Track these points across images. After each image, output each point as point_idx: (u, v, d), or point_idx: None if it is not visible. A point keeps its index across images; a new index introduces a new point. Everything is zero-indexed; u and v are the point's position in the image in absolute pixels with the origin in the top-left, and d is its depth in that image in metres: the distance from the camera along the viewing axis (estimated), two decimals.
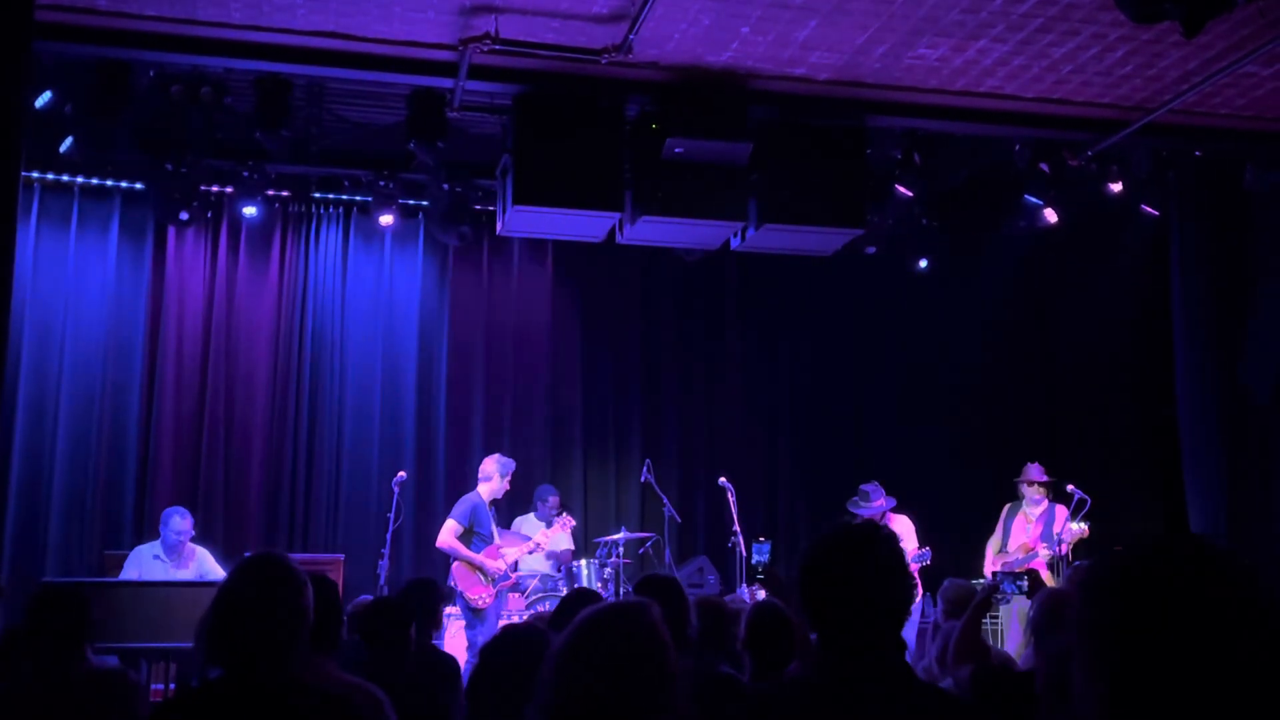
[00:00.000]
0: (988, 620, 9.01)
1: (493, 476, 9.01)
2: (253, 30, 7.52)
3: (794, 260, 11.37)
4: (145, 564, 8.34)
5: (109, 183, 10.07)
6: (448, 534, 8.78)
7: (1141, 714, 1.40)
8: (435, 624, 5.64)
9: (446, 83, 8.04)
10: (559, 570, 9.52)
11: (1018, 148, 9.23)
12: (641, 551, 9.87)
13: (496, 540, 8.93)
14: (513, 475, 9.16)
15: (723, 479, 9.99)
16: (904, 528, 9.42)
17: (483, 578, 8.74)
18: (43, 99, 7.80)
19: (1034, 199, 9.64)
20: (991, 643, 8.85)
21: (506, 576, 8.86)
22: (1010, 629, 8.83)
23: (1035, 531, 9.29)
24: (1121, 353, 11.26)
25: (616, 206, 8.36)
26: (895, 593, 2.32)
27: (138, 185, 9.93)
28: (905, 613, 2.37)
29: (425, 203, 10.26)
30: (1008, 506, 9.66)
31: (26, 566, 9.32)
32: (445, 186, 9.77)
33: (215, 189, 10.01)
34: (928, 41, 7.67)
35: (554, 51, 7.71)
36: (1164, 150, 9.46)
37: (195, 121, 8.51)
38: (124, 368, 10.03)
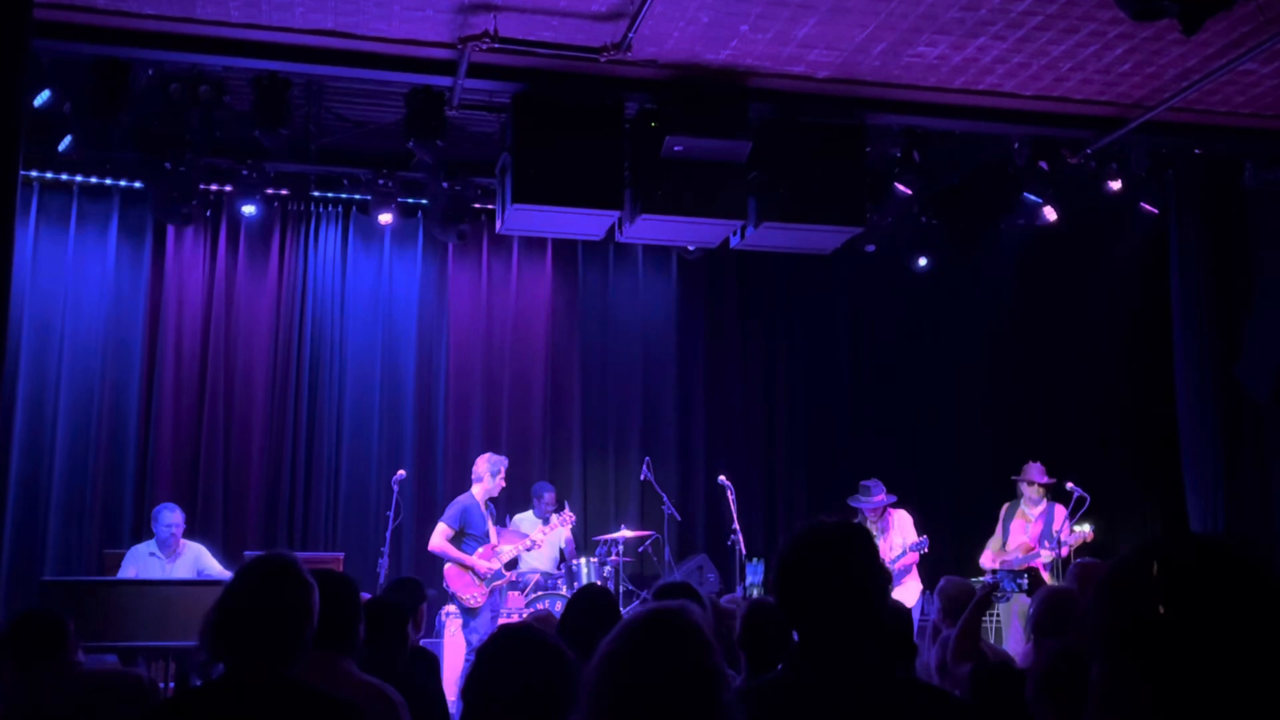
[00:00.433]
0: (987, 618, 9.02)
1: (484, 477, 9.02)
2: (251, 29, 7.52)
3: (793, 258, 11.39)
4: (142, 561, 8.36)
5: (108, 181, 10.06)
6: (438, 537, 8.85)
7: (1188, 716, 1.40)
8: (417, 624, 5.64)
9: (445, 81, 8.04)
10: (559, 568, 9.52)
11: (1016, 145, 9.23)
12: (641, 550, 9.86)
13: (493, 539, 8.94)
14: (509, 473, 9.16)
15: (722, 477, 9.99)
16: (905, 522, 9.43)
17: (474, 577, 8.77)
18: (41, 98, 7.80)
19: (1033, 197, 9.64)
20: (991, 641, 8.86)
21: (500, 575, 8.87)
22: (1010, 627, 8.82)
23: (1035, 531, 9.27)
24: (1120, 350, 11.26)
25: (616, 205, 8.36)
26: (872, 587, 2.33)
27: (137, 184, 9.93)
28: (882, 608, 2.37)
29: (424, 201, 10.26)
30: (1006, 505, 9.64)
31: (26, 565, 9.32)
32: (444, 185, 9.76)
33: (214, 188, 10.00)
34: (926, 39, 7.67)
35: (553, 50, 7.71)
36: (1163, 148, 9.46)
37: (194, 120, 8.52)
38: (123, 366, 10.03)
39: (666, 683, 2.07)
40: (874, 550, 2.38)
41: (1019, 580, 7.98)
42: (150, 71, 7.92)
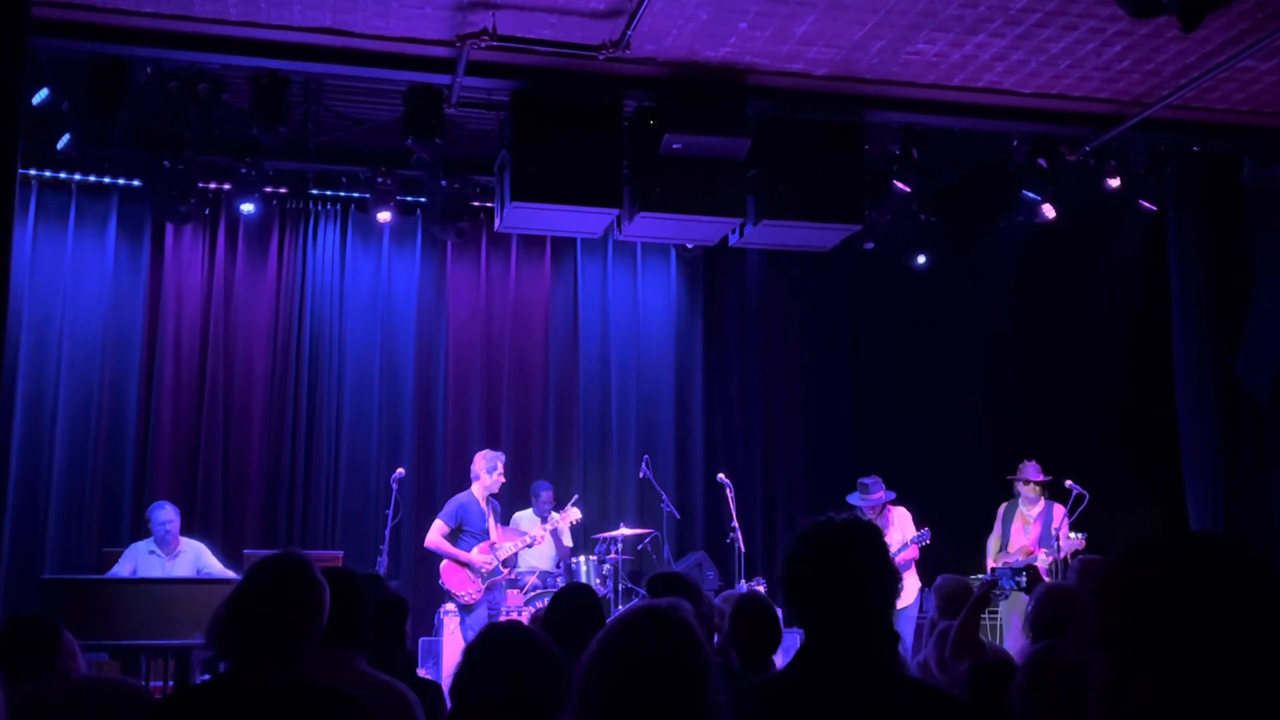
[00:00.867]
0: (986, 616, 9.02)
1: (481, 474, 9.02)
2: (250, 27, 7.52)
3: (792, 255, 11.40)
4: (141, 559, 8.37)
5: (106, 180, 10.06)
6: (433, 533, 8.88)
7: (1162, 712, 1.40)
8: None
9: (444, 79, 8.04)
10: (558, 566, 9.52)
11: (1015, 143, 9.23)
12: (640, 547, 9.86)
13: (493, 536, 8.94)
14: (508, 470, 9.17)
15: (721, 475, 10.00)
16: (904, 519, 9.44)
17: (470, 574, 8.77)
18: (40, 96, 7.79)
19: (1032, 194, 9.63)
20: (990, 639, 8.87)
21: (498, 572, 8.87)
22: (1010, 625, 8.82)
23: (1034, 533, 9.26)
24: (1119, 348, 11.26)
25: (614, 202, 8.36)
26: (878, 587, 2.31)
27: (135, 182, 9.92)
28: (890, 607, 2.36)
29: (423, 199, 10.26)
30: (1005, 505, 9.62)
31: (25, 563, 9.32)
32: (443, 183, 9.75)
33: (213, 186, 10.00)
34: (925, 36, 7.67)
35: (551, 47, 7.70)
36: (1162, 145, 9.46)
37: (193, 118, 8.51)
38: (122, 365, 10.03)
39: (656, 681, 2.07)
40: (881, 549, 2.37)
41: (1017, 578, 7.99)
42: (149, 70, 7.91)
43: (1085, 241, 11.10)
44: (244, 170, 9.52)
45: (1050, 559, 8.97)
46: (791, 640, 7.71)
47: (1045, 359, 11.77)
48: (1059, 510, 9.17)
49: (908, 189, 9.42)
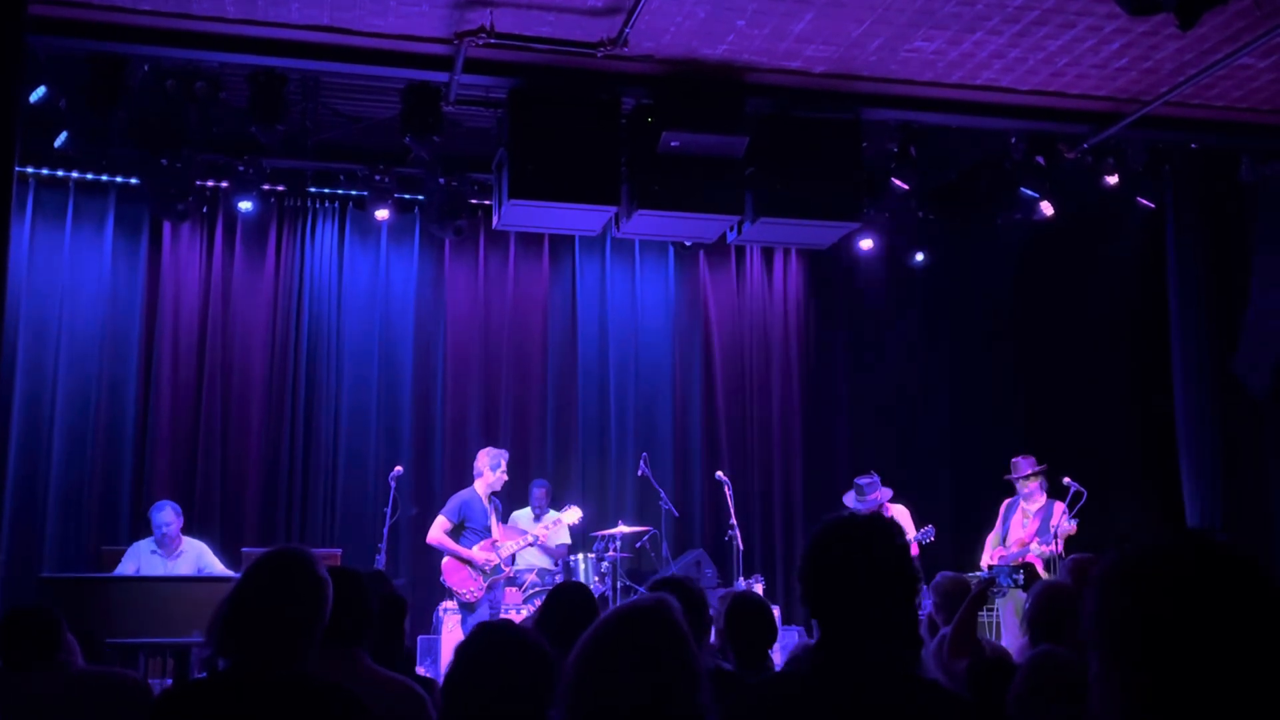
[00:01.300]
0: (984, 614, 9.01)
1: (484, 471, 9.02)
2: (248, 24, 7.52)
3: (790, 252, 11.42)
4: (144, 558, 8.36)
5: (104, 178, 10.05)
6: (436, 529, 8.85)
7: (1160, 710, 1.41)
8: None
9: (442, 76, 8.03)
10: (556, 565, 9.53)
11: (1013, 140, 9.23)
12: (639, 546, 9.87)
13: (495, 535, 8.94)
14: (509, 467, 9.16)
15: (720, 473, 10.02)
16: (903, 517, 9.44)
17: (472, 571, 8.76)
18: (37, 94, 7.78)
19: (1030, 192, 9.63)
20: (989, 636, 8.87)
21: (500, 570, 8.86)
22: (1007, 623, 8.83)
23: (1032, 527, 9.26)
24: (1117, 345, 11.25)
25: (612, 200, 8.36)
26: (896, 586, 2.29)
27: (133, 180, 9.91)
28: (909, 606, 2.33)
29: (421, 197, 10.27)
30: (1007, 502, 9.62)
31: (24, 562, 9.31)
32: (441, 181, 9.75)
33: (210, 184, 10.00)
34: (924, 34, 7.67)
35: (549, 45, 7.70)
36: (1160, 143, 9.46)
37: (190, 116, 8.50)
38: (120, 363, 10.02)
39: (642, 678, 2.07)
40: (896, 548, 2.32)
41: (1015, 575, 8.00)
42: (146, 67, 7.90)
43: (1083, 239, 11.10)
44: (242, 168, 9.52)
45: (1046, 549, 8.98)
46: (789, 638, 7.71)
47: (1043, 356, 11.78)
48: (1059, 507, 9.15)
49: (906, 186, 9.42)
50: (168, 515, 8.44)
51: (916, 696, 2.25)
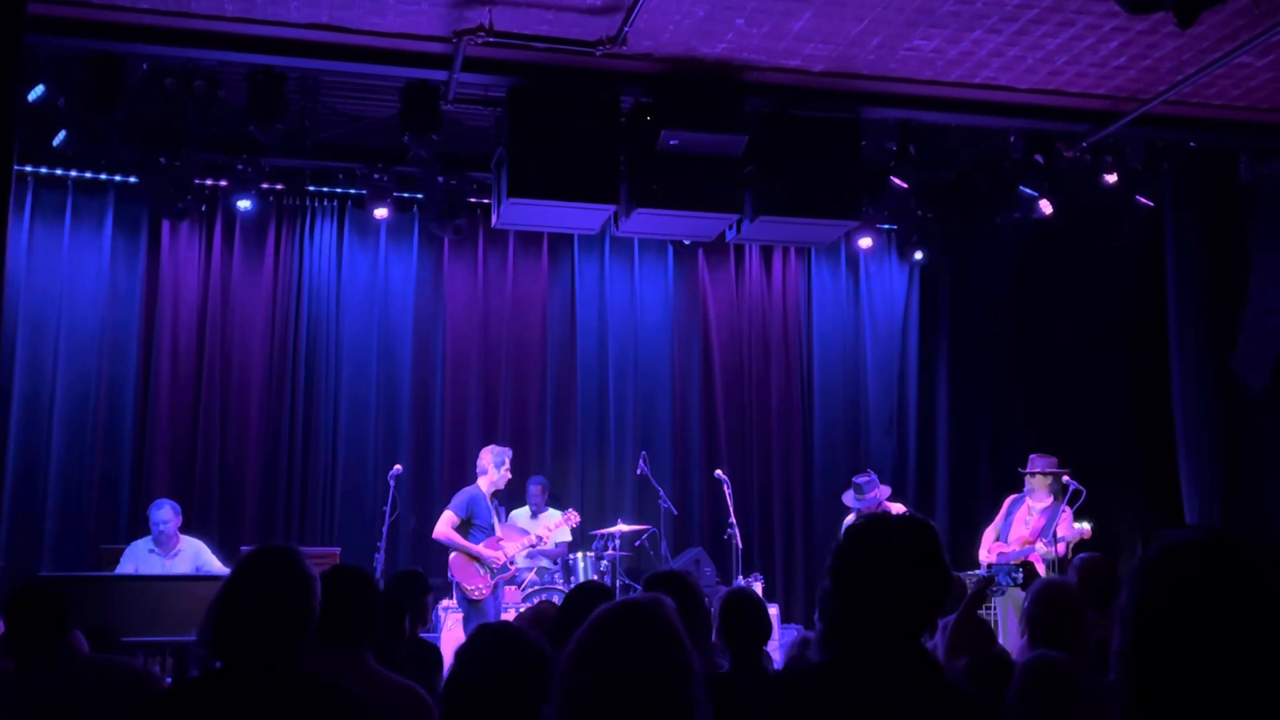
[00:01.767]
0: (983, 612, 9.01)
1: (489, 469, 9.01)
2: (246, 23, 7.52)
3: (790, 249, 11.42)
4: (141, 558, 8.36)
5: (103, 176, 10.04)
6: (444, 524, 8.80)
7: (1163, 701, 1.42)
8: (423, 618, 5.63)
9: (441, 75, 8.03)
10: (555, 564, 9.53)
11: (1012, 139, 9.23)
12: (638, 544, 9.87)
13: (498, 533, 8.93)
14: (511, 467, 9.16)
15: (719, 471, 10.02)
16: None
17: (480, 568, 8.74)
18: (36, 93, 7.77)
19: (1029, 190, 9.64)
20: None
21: (505, 569, 8.85)
22: (1007, 622, 8.82)
23: (1036, 524, 9.22)
24: (1116, 343, 11.26)
25: (612, 199, 8.36)
26: (927, 586, 2.27)
27: (132, 179, 9.91)
28: (936, 609, 2.31)
29: (420, 196, 10.26)
30: (1011, 498, 9.59)
31: (22, 561, 9.30)
32: (440, 179, 9.75)
33: (209, 182, 9.99)
34: (922, 33, 7.67)
35: (548, 44, 7.70)
36: (1158, 141, 9.47)
37: (189, 115, 8.50)
38: (119, 362, 10.01)
39: (635, 675, 2.07)
40: (936, 548, 2.29)
41: (1014, 574, 7.99)
42: (145, 66, 7.91)
43: (1082, 237, 11.10)
44: (240, 167, 9.51)
45: (1049, 550, 8.95)
46: (788, 636, 7.71)
47: (1041, 353, 11.78)
48: (1067, 511, 9.06)
49: (905, 185, 9.42)
50: (165, 514, 8.44)
51: (949, 698, 2.24)
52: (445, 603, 9.19)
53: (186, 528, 8.75)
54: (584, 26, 7.58)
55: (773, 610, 7.82)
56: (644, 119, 8.30)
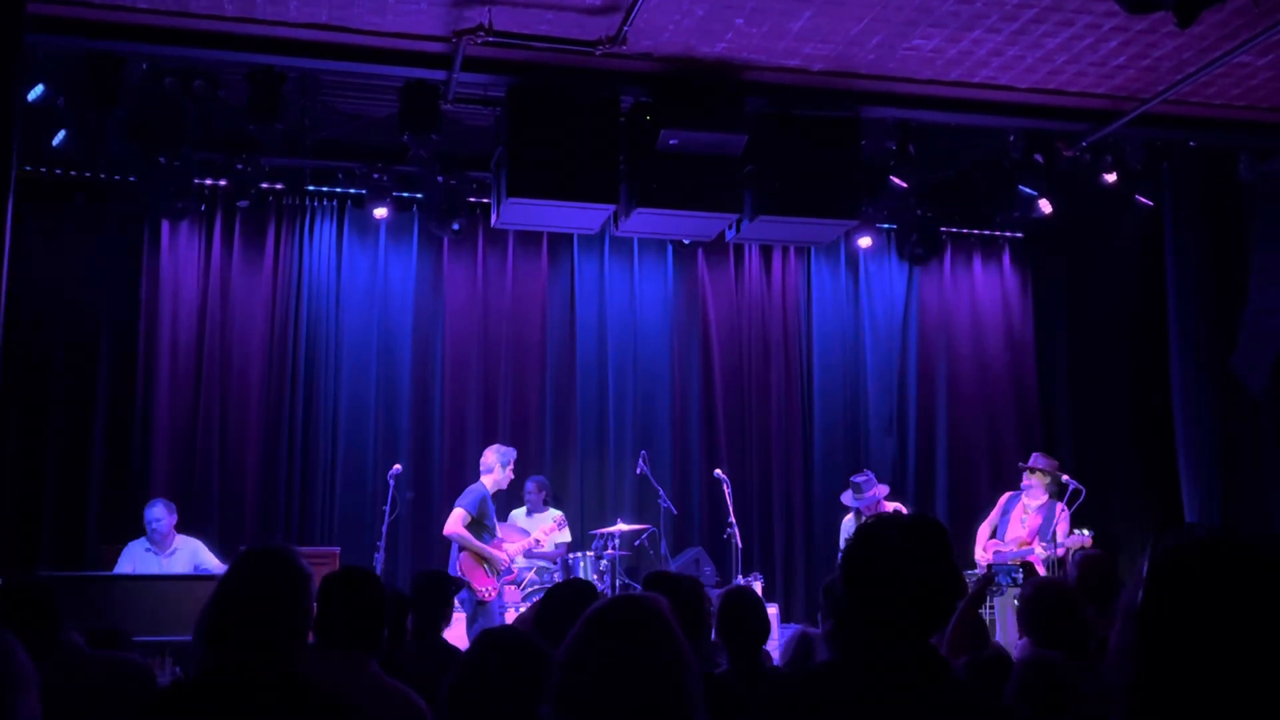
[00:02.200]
0: (981, 612, 9.01)
1: (494, 467, 9.00)
2: (246, 23, 7.52)
3: (789, 248, 11.42)
4: (138, 557, 8.37)
5: (102, 176, 10.03)
6: (456, 523, 8.73)
7: (1168, 702, 1.42)
8: (444, 618, 5.59)
9: (440, 75, 8.04)
10: (555, 563, 9.53)
11: (1012, 138, 9.23)
12: (638, 543, 9.86)
13: (498, 534, 8.93)
14: (514, 466, 9.16)
15: (718, 471, 10.02)
16: None
17: (488, 569, 8.73)
18: (35, 92, 7.78)
19: (1028, 190, 9.64)
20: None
21: (509, 570, 8.84)
22: (1006, 622, 8.82)
23: (1032, 524, 9.25)
24: (1115, 343, 11.27)
25: (611, 198, 8.36)
26: (938, 586, 2.27)
27: (131, 179, 9.90)
28: (946, 609, 2.32)
29: (419, 195, 10.26)
30: (1008, 495, 9.63)
31: (21, 561, 9.30)
32: (439, 179, 9.76)
33: (209, 182, 9.99)
34: (922, 32, 7.67)
35: (548, 43, 7.70)
36: (1158, 141, 9.46)
37: (189, 114, 8.49)
38: (119, 361, 10.01)
39: (630, 673, 2.07)
40: (945, 549, 2.30)
41: (1014, 574, 7.99)
42: (144, 66, 7.90)
43: (1081, 236, 11.11)
44: (240, 167, 9.51)
45: (1047, 554, 8.97)
46: (787, 635, 7.71)
47: (1040, 352, 11.79)
48: (1063, 511, 9.12)
49: (904, 185, 9.43)
50: (159, 511, 8.45)
51: (957, 699, 2.24)
52: None
53: (187, 527, 8.75)
54: (583, 26, 7.58)
55: (772, 610, 7.83)
56: (644, 118, 8.30)
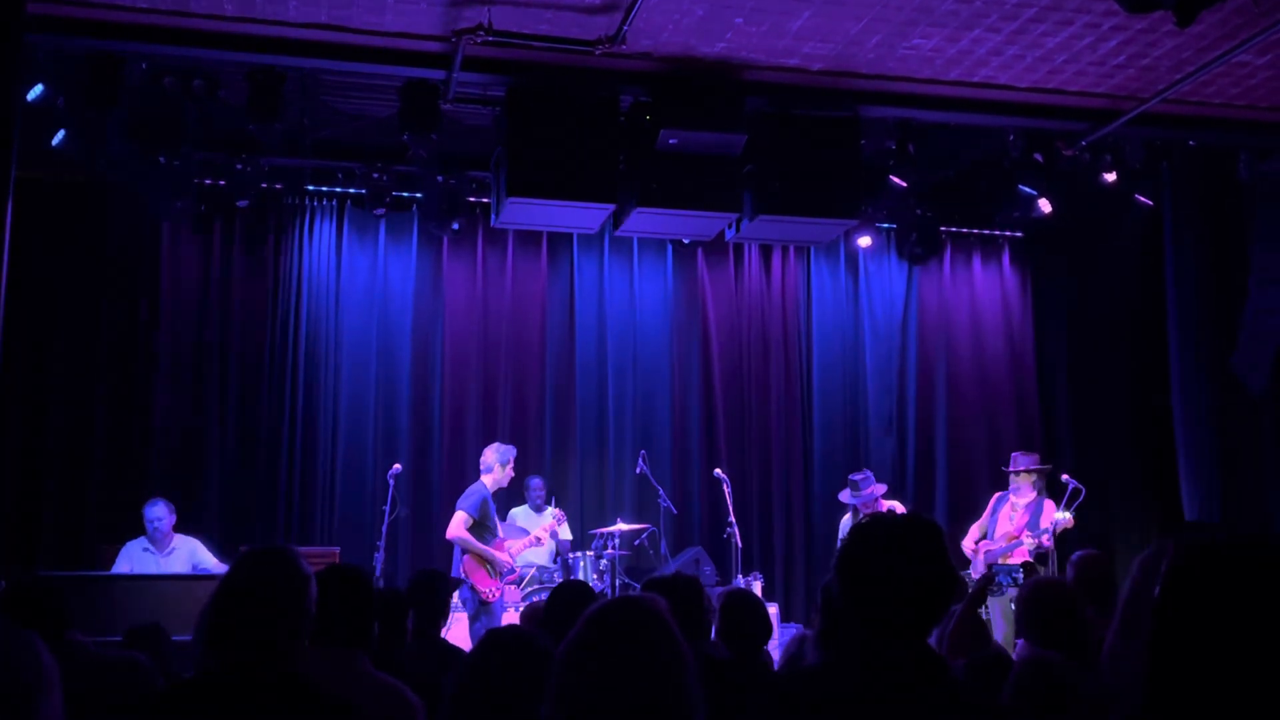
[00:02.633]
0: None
1: (494, 466, 8.99)
2: (246, 22, 7.52)
3: (789, 248, 11.42)
4: (136, 557, 8.36)
5: (102, 176, 10.01)
6: (458, 526, 8.73)
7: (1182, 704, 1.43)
8: (441, 616, 5.61)
9: (440, 74, 8.03)
10: (555, 562, 9.53)
11: (1011, 138, 9.23)
12: (638, 543, 9.87)
13: (500, 534, 8.92)
14: (514, 465, 9.16)
15: (718, 470, 10.02)
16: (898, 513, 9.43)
17: (490, 571, 8.72)
18: (35, 92, 7.77)
19: (1028, 189, 9.64)
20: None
21: (512, 570, 8.84)
22: (996, 621, 8.83)
23: (1020, 520, 9.32)
24: (1115, 342, 11.27)
25: (611, 198, 8.36)
26: (933, 586, 2.27)
27: (131, 178, 9.88)
28: (942, 608, 2.32)
29: (419, 195, 10.26)
30: (997, 496, 9.71)
31: (21, 561, 9.30)
32: (439, 178, 9.75)
33: (209, 182, 9.98)
34: (921, 31, 7.67)
35: (547, 43, 7.70)
36: (1158, 140, 9.46)
37: (188, 114, 8.49)
38: (119, 360, 10.00)
39: (629, 673, 2.07)
40: (941, 548, 2.30)
41: (1014, 574, 8.00)
42: (144, 65, 7.90)
43: (1081, 236, 11.11)
44: (240, 166, 9.50)
45: (1035, 542, 9.04)
46: (787, 635, 7.71)
47: (1040, 352, 11.79)
48: (1049, 506, 9.22)
49: (904, 184, 9.43)
50: (160, 511, 8.44)
51: (953, 699, 2.24)
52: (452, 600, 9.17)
53: (187, 527, 8.75)
54: (583, 25, 7.58)
55: (772, 609, 7.81)
56: (643, 118, 8.30)
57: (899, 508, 9.53)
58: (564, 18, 7.47)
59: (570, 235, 10.83)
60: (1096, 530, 9.81)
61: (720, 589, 6.90)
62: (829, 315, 11.65)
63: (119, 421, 9.94)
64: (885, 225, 11.45)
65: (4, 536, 9.38)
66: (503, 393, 10.87)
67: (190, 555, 8.47)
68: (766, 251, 11.60)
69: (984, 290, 11.90)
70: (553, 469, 10.70)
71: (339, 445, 10.39)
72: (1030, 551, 8.99)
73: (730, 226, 8.97)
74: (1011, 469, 9.60)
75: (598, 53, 7.78)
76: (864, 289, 11.69)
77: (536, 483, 9.88)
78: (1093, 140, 9.15)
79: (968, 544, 9.51)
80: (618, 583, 9.17)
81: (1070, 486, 9.14)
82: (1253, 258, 9.72)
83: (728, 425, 11.30)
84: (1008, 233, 11.73)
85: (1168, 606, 1.49)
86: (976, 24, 7.56)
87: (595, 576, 9.13)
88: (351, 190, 10.38)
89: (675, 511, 10.13)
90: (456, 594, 8.85)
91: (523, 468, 10.10)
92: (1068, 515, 9.03)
